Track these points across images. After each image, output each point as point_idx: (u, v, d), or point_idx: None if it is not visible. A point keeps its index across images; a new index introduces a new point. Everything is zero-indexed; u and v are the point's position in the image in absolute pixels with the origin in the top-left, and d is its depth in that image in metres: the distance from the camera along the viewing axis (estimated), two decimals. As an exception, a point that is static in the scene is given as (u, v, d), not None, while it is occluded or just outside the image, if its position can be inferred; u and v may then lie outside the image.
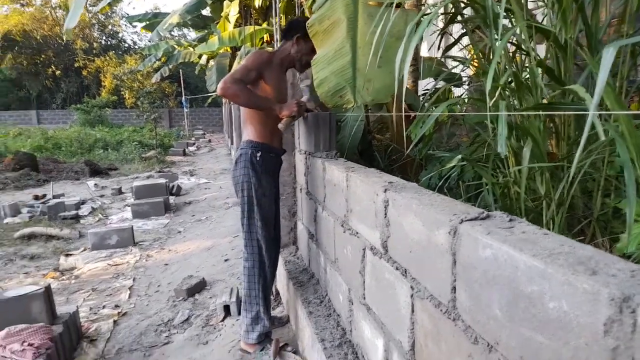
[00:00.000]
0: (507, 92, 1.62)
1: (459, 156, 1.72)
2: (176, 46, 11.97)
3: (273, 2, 3.76)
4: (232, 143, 13.83)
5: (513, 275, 0.85)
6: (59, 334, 2.60)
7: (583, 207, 1.85)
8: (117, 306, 3.40)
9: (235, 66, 9.13)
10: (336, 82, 1.91)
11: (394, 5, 1.82)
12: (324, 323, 2.15)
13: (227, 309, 3.10)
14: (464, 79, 2.97)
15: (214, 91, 13.74)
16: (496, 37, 1.63)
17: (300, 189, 2.98)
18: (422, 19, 1.60)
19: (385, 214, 1.49)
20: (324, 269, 2.46)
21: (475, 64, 2.07)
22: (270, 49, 8.33)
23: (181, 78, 23.54)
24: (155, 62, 13.13)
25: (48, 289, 2.73)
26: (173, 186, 7.79)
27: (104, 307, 3.41)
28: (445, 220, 1.10)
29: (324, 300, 2.38)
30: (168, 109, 25.46)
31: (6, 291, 2.78)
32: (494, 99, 1.42)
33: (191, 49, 12.16)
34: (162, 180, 7.32)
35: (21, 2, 27.26)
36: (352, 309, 1.94)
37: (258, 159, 2.40)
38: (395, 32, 1.93)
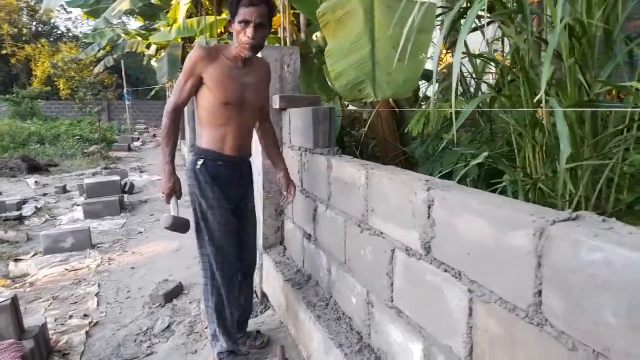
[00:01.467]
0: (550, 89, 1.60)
1: (485, 153, 1.69)
2: (123, 35, 11.30)
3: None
4: (182, 137, 13.33)
5: (636, 280, 0.81)
6: (30, 350, 2.33)
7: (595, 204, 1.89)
8: (85, 315, 3.12)
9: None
10: (355, 75, 1.83)
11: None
12: (336, 327, 2.06)
13: (212, 313, 2.93)
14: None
15: (165, 83, 13.14)
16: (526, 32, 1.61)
17: (291, 187, 2.86)
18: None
19: (429, 214, 1.43)
20: (327, 270, 2.36)
21: (505, 62, 2.02)
22: (230, 41, 8.04)
23: (122, 69, 22.34)
24: (99, 51, 12.33)
25: (15, 300, 2.44)
26: (125, 183, 7.35)
27: (70, 317, 3.11)
28: (527, 220, 1.05)
29: (329, 303, 2.28)
30: (107, 101, 24.07)
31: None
32: (540, 95, 1.39)
33: (139, 38, 11.51)
34: (116, 178, 6.87)
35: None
36: (372, 312, 1.87)
37: (199, 167, 2.15)
38: (415, 25, 1.87)
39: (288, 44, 4.16)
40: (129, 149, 14.33)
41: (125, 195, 6.72)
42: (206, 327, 2.87)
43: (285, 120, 2.97)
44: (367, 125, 3.97)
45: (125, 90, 22.80)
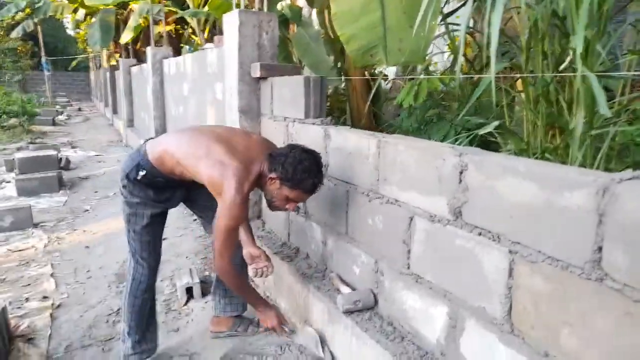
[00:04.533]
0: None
1: (496, 122, 1.73)
2: (45, -4, 10.25)
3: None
4: (115, 112, 12.50)
5: None
6: (-6, 337, 2.10)
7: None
8: (45, 297, 2.85)
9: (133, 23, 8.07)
10: (368, 39, 1.79)
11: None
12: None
13: (189, 290, 2.81)
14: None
15: (98, 52, 12.18)
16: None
17: (274, 159, 2.77)
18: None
19: (460, 179, 1.44)
20: (321, 242, 2.33)
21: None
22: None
23: (40, 36, 20.35)
24: (16, 13, 11.07)
25: (-29, 284, 2.17)
26: (61, 159, 6.77)
27: (27, 299, 2.83)
28: (586, 180, 1.08)
29: (325, 274, 2.26)
30: (24, 70, 21.93)
31: None
32: (566, 62, 1.43)
33: (64, 1, 10.50)
34: (52, 152, 6.30)
35: None
36: (382, 280, 1.88)
37: (139, 178, 1.91)
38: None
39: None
40: (54, 123, 13.20)
41: (61, 172, 6.20)
42: (185, 304, 2.76)
43: (265, 90, 2.86)
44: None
45: (43, 59, 20.80)
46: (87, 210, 4.86)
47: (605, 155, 1.86)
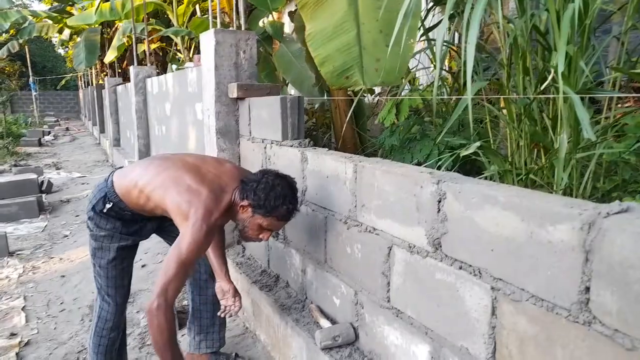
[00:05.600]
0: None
1: (478, 143, 1.64)
2: (30, 17, 10.14)
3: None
4: (102, 131, 12.36)
5: None
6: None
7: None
8: (13, 334, 2.71)
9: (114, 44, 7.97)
10: (342, 60, 1.70)
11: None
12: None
13: (166, 323, 2.66)
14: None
15: (83, 71, 12.10)
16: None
17: (252, 182, 2.67)
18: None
19: (439, 208, 1.34)
20: (300, 271, 2.22)
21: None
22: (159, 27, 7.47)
23: (27, 56, 20.25)
24: (1, 35, 10.96)
25: None
26: (42, 182, 6.62)
27: (-7, 337, 2.69)
28: (570, 213, 0.99)
29: (305, 305, 2.15)
30: (9, 92, 21.75)
31: None
32: (547, 81, 1.35)
33: (49, 22, 10.41)
34: (32, 176, 6.15)
35: None
36: (362, 313, 1.77)
37: (105, 211, 1.81)
38: (410, 8, 1.77)
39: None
40: (40, 144, 13.02)
41: (43, 195, 6.05)
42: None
43: (243, 111, 2.77)
44: (321, 116, 3.85)
45: (31, 79, 20.67)
46: (67, 236, 4.72)
47: (592, 174, 1.78)
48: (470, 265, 1.26)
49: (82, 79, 22.38)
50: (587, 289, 0.97)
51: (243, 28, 3.24)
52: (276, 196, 1.66)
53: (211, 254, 2.00)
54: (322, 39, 1.75)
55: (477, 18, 1.27)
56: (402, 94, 3.38)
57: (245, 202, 1.69)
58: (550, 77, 1.42)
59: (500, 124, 2.36)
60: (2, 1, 8.13)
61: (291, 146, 2.22)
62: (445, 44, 2.84)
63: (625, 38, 1.67)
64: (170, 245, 2.16)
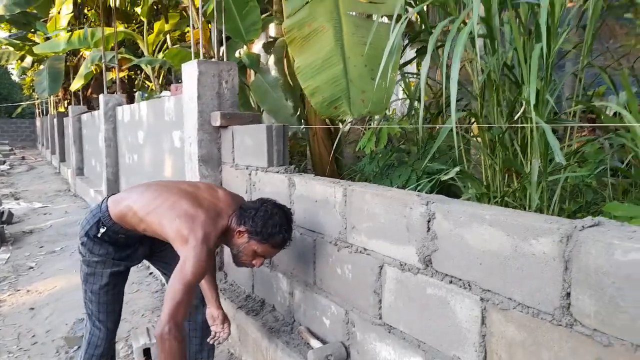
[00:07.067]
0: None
1: (457, 168, 1.79)
2: (-9, 44, 9.90)
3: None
4: (62, 160, 12.02)
5: (676, 275, 0.91)
6: None
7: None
8: (-17, 371, 2.60)
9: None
10: (331, 92, 1.83)
11: (379, 18, 1.82)
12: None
13: (147, 352, 2.63)
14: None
15: (46, 98, 11.83)
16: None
17: (236, 208, 2.72)
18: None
19: (429, 227, 1.46)
20: (288, 294, 2.27)
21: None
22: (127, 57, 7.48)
23: (-19, 83, 19.55)
24: (-42, 61, 10.61)
25: None
26: (2, 212, 6.37)
27: (-39, 374, 2.57)
28: (550, 228, 1.12)
29: (293, 327, 2.19)
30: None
31: None
32: (520, 112, 1.51)
33: (10, 49, 10.19)
34: (-8, 206, 5.92)
35: None
36: (353, 331, 1.84)
37: (100, 235, 1.84)
38: (384, 44, 1.92)
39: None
40: (-5, 173, 12.50)
41: (4, 226, 5.81)
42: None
43: (226, 139, 2.84)
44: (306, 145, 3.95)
45: (-15, 106, 19.90)
46: (32, 268, 4.55)
47: (559, 197, 1.96)
48: (460, 279, 1.37)
49: (40, 107, 21.78)
50: (568, 295, 1.10)
51: (225, 59, 3.35)
52: (273, 224, 1.74)
53: (203, 279, 2.03)
54: (311, 72, 1.88)
55: (458, 56, 1.42)
56: (377, 123, 3.56)
57: (242, 228, 1.75)
58: (522, 109, 1.58)
59: (472, 151, 2.54)
60: (-39, 27, 7.92)
61: (277, 172, 2.31)
62: (415, 77, 3.04)
63: (582, 74, 1.89)
64: (160, 269, 2.18)
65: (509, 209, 1.30)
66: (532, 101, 1.36)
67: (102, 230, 1.81)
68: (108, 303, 1.91)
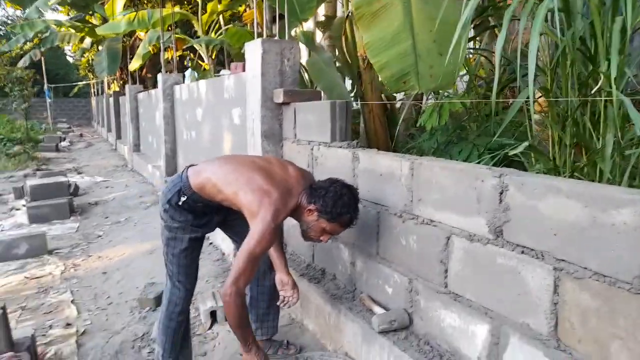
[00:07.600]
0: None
1: (526, 143, 1.80)
2: (54, 26, 10.43)
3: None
4: (119, 137, 12.60)
5: None
6: (28, 364, 2.10)
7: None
8: (68, 324, 2.86)
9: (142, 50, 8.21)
10: (400, 67, 1.87)
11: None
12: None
13: (213, 314, 2.82)
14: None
15: (104, 78, 12.35)
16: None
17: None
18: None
19: (501, 199, 1.49)
20: (349, 263, 2.37)
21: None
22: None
23: (43, 64, 20.62)
24: (25, 43, 11.26)
25: (4, 310, 2.19)
26: (69, 185, 6.81)
27: (50, 327, 2.84)
28: (633, 199, 1.14)
29: (354, 295, 2.29)
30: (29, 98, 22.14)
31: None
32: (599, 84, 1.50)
33: (72, 31, 10.70)
34: (62, 178, 6.35)
35: None
36: (417, 299, 1.91)
37: (180, 203, 1.97)
38: (452, 20, 1.93)
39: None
40: (57, 149, 13.27)
41: (72, 197, 6.23)
42: (210, 328, 2.76)
43: (287, 115, 2.93)
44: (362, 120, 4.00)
45: (46, 86, 21.04)
46: (100, 236, 4.88)
47: (629, 173, 1.93)
48: (533, 249, 1.41)
49: (95, 86, 22.75)
50: (649, 264, 1.12)
51: (286, 37, 3.42)
52: (342, 204, 1.82)
53: (271, 248, 2.15)
54: (380, 47, 1.92)
55: (537, 30, 1.42)
56: (430, 100, 3.55)
57: (312, 207, 1.85)
58: (599, 83, 1.57)
59: (534, 127, 2.51)
60: (31, 12, 8.40)
61: (340, 147, 2.38)
62: (478, 53, 3.00)
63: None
64: (230, 236, 2.32)
65: (584, 181, 1.31)
66: (613, 74, 1.35)
67: (182, 198, 1.95)
68: (187, 265, 2.07)
